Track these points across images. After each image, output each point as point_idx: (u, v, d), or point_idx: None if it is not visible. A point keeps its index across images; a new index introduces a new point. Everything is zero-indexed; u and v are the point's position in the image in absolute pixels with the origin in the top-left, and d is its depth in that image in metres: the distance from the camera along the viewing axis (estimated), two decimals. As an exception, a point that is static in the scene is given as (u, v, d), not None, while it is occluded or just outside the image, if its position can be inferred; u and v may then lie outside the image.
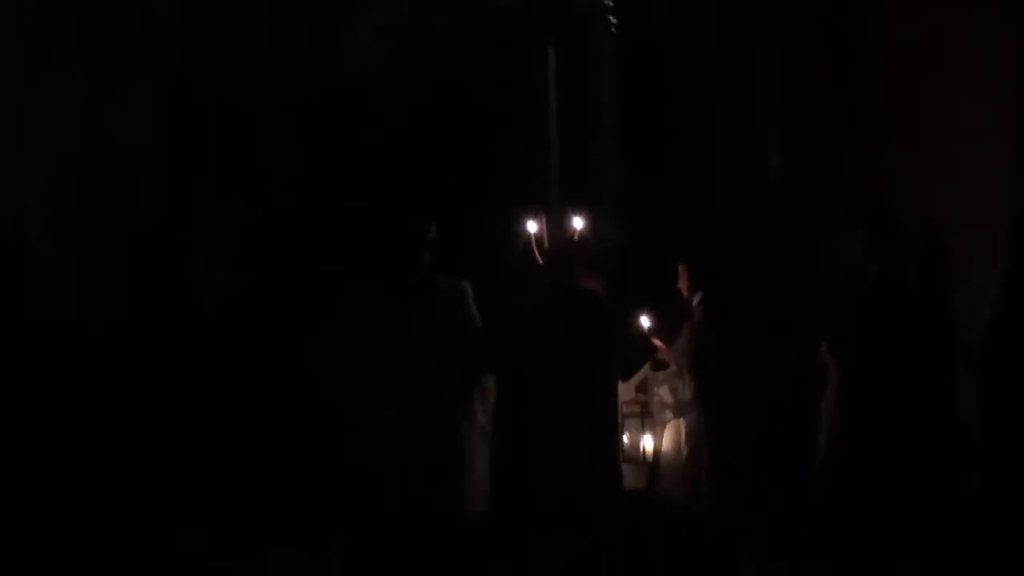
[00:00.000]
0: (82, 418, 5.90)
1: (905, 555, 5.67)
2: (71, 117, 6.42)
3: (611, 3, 6.14)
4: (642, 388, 6.13)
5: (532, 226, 5.76)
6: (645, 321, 5.96)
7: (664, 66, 7.08)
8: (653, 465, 6.04)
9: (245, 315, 6.65)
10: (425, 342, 5.20)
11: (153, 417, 6.16)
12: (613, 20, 6.03)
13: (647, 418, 6.07)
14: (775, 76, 6.98)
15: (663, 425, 6.05)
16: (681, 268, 6.08)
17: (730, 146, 7.02)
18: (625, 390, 6.00)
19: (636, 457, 6.05)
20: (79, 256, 6.27)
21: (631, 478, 5.94)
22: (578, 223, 5.67)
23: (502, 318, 5.46)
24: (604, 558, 5.38)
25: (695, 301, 6.02)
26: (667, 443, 6.02)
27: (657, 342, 6.03)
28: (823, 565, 5.90)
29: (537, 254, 5.82)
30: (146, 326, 6.34)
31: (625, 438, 5.98)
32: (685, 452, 5.94)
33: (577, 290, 5.49)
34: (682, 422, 5.98)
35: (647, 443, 6.03)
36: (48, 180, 6.29)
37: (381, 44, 6.78)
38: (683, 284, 6.08)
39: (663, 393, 6.04)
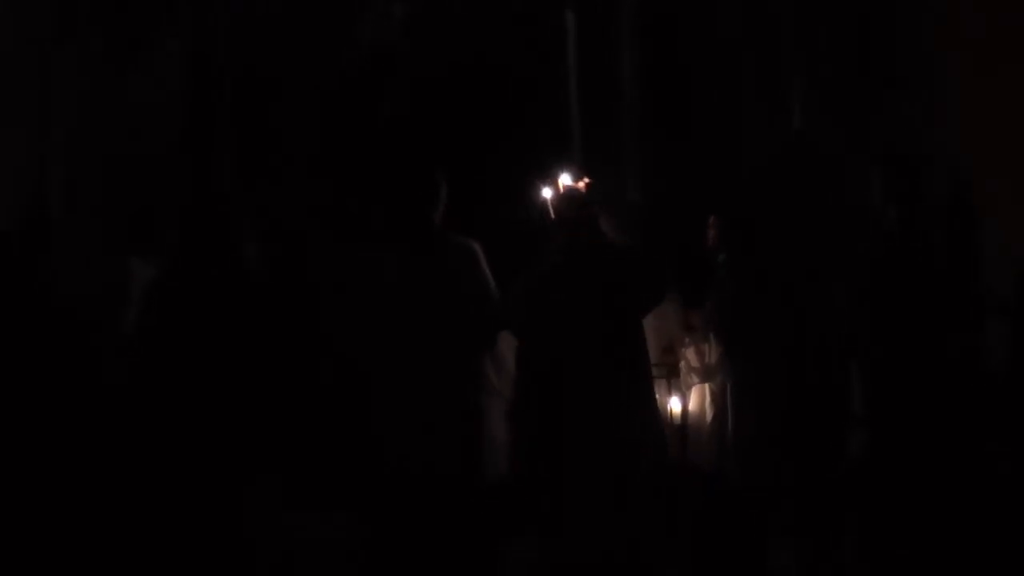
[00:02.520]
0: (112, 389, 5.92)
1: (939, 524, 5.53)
2: (91, 88, 6.42)
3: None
4: (669, 351, 6.02)
5: (548, 190, 5.67)
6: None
7: (685, 22, 6.90)
8: (681, 429, 5.93)
9: (277, 281, 6.61)
10: (435, 300, 5.18)
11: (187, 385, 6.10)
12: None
13: (674, 380, 5.95)
14: (798, 25, 6.75)
15: (689, 389, 5.93)
16: (709, 224, 5.93)
17: (754, 100, 6.82)
18: (651, 354, 5.91)
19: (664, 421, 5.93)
20: (101, 230, 6.29)
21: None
22: (582, 183, 5.56)
23: (518, 280, 5.43)
24: (644, 523, 5.34)
25: (720, 260, 5.88)
26: (693, 407, 5.90)
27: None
28: (854, 536, 5.80)
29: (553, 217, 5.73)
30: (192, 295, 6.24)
31: (651, 401, 5.88)
32: (710, 416, 5.81)
33: (589, 249, 5.44)
34: (708, 386, 5.85)
35: (674, 406, 5.91)
36: (69, 153, 6.31)
37: (400, 6, 6.71)
38: (711, 241, 5.94)
39: (690, 356, 5.92)
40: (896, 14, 6.37)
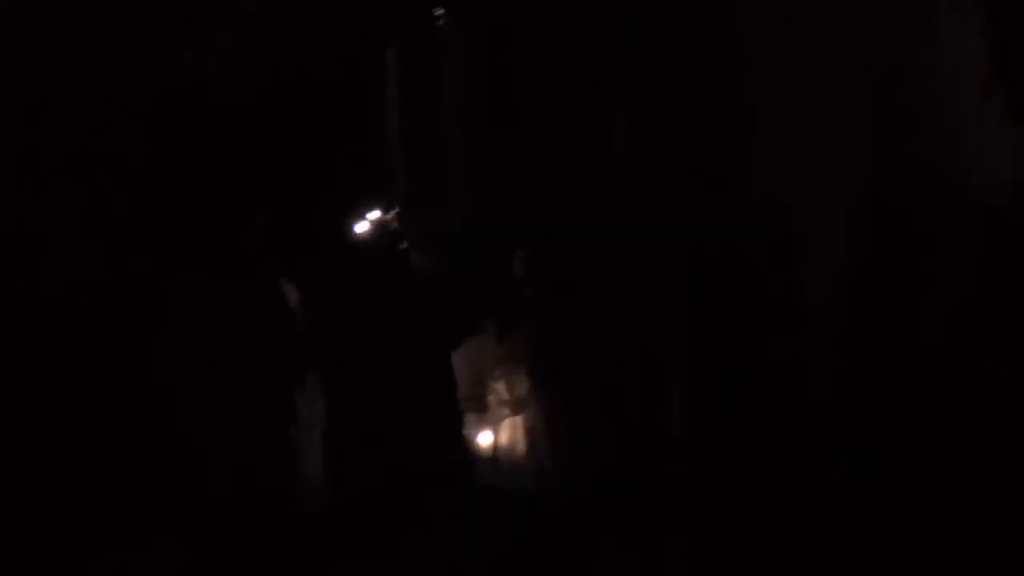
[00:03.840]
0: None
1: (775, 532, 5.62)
2: None
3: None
4: (479, 384, 6.06)
5: (360, 225, 5.74)
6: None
7: (511, 51, 6.93)
8: (494, 462, 5.99)
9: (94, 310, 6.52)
10: (242, 333, 5.24)
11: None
12: (440, 11, 5.98)
13: (483, 413, 6.01)
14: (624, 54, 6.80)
15: (500, 422, 5.98)
16: (520, 253, 6.00)
17: (578, 127, 6.85)
18: (460, 386, 5.97)
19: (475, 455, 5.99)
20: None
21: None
22: (392, 214, 5.66)
23: (324, 315, 5.50)
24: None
25: (530, 291, 5.95)
26: (504, 440, 5.95)
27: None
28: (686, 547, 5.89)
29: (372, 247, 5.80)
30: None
31: (460, 434, 5.94)
32: (522, 449, 5.87)
33: (396, 284, 5.53)
34: (520, 419, 5.91)
35: (484, 439, 5.96)
36: None
37: (220, 38, 6.66)
38: (522, 270, 6.00)
39: (500, 389, 5.96)
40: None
